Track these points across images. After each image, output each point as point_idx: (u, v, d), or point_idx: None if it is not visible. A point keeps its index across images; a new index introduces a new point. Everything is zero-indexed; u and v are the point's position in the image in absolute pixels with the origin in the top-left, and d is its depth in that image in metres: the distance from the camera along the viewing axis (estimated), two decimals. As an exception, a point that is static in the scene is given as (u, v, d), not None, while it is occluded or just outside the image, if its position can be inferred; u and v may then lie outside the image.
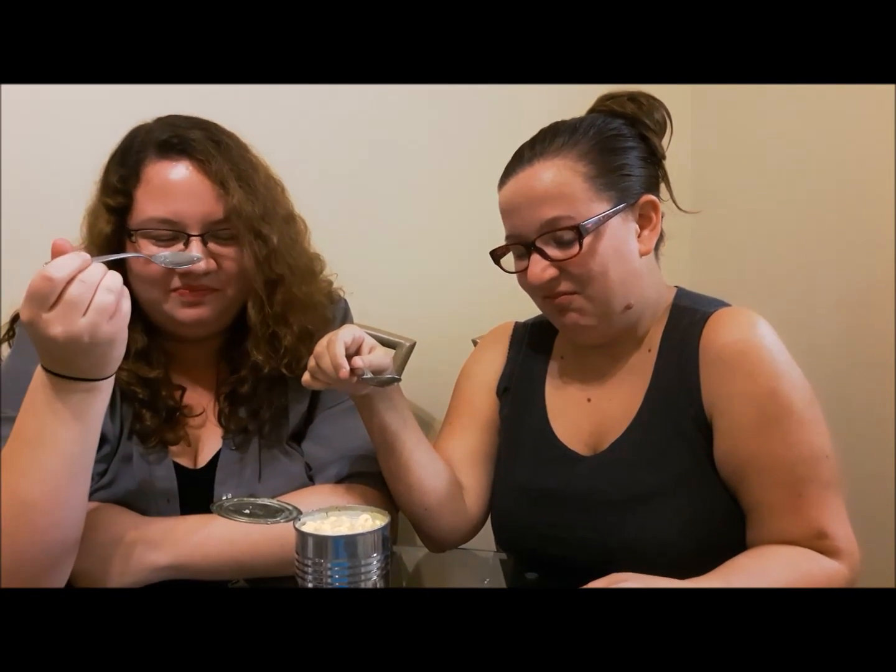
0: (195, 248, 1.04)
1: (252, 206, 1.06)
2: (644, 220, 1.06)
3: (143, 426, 1.09)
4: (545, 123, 1.10)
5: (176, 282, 1.05)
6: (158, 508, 1.06)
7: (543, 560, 1.09)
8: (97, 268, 0.82)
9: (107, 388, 0.88)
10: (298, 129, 1.65)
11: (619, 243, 1.03)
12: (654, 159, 1.09)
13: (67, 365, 0.84)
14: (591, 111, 1.12)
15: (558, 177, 1.02)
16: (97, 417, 0.89)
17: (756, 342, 0.99)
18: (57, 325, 0.80)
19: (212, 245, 1.06)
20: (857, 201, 1.35)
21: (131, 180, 1.06)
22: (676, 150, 1.14)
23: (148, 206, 1.04)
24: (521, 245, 1.06)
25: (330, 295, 1.21)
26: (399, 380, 1.05)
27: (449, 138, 1.73)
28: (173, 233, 1.04)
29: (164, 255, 1.00)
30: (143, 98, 1.42)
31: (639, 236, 1.06)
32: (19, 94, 1.52)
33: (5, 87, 1.50)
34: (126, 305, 0.85)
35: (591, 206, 1.02)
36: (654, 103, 1.09)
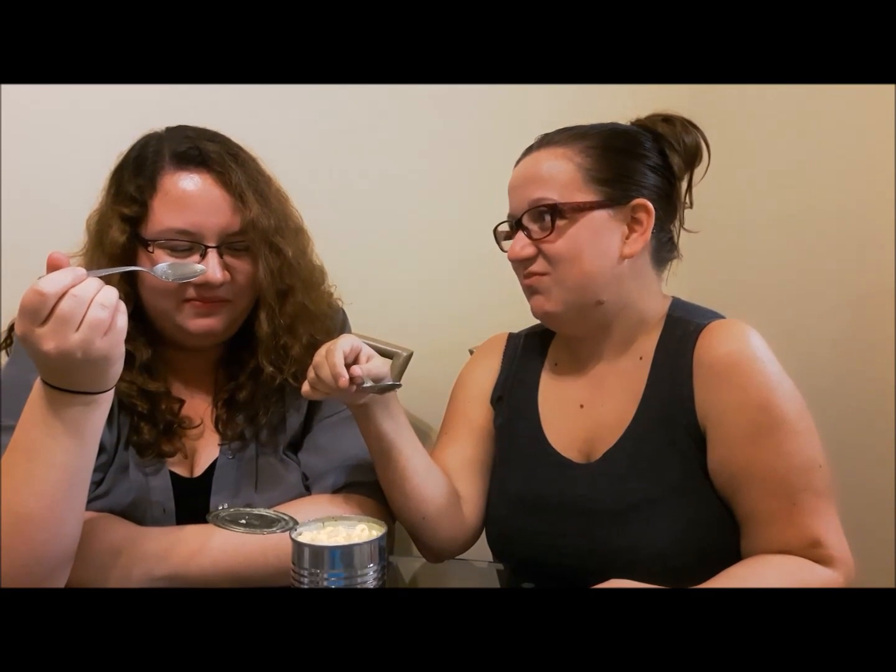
0: (212, 259, 1.04)
1: (268, 219, 1.07)
2: (635, 224, 1.07)
3: (140, 438, 1.08)
4: (545, 129, 1.11)
5: (190, 292, 1.05)
6: (155, 518, 1.06)
7: (537, 568, 1.09)
8: (91, 283, 0.81)
9: (106, 401, 0.87)
10: (294, 136, 1.64)
11: (598, 238, 1.05)
12: (667, 174, 1.10)
13: (64, 379, 0.83)
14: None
15: (554, 163, 1.06)
16: (96, 431, 0.88)
17: (748, 353, 1.00)
18: (49, 340, 0.79)
19: (227, 257, 1.07)
20: (857, 207, 1.35)
21: (147, 190, 1.05)
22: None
23: (165, 216, 1.04)
24: (511, 223, 1.10)
25: (330, 305, 1.22)
26: (399, 385, 1.05)
27: (446, 145, 1.73)
28: (191, 244, 1.04)
29: (163, 266, 0.98)
30: (143, 100, 1.43)
31: (626, 238, 1.06)
32: (19, 96, 1.51)
33: (5, 87, 1.49)
34: (121, 321, 0.83)
35: (576, 195, 1.05)
36: (689, 128, 1.11)
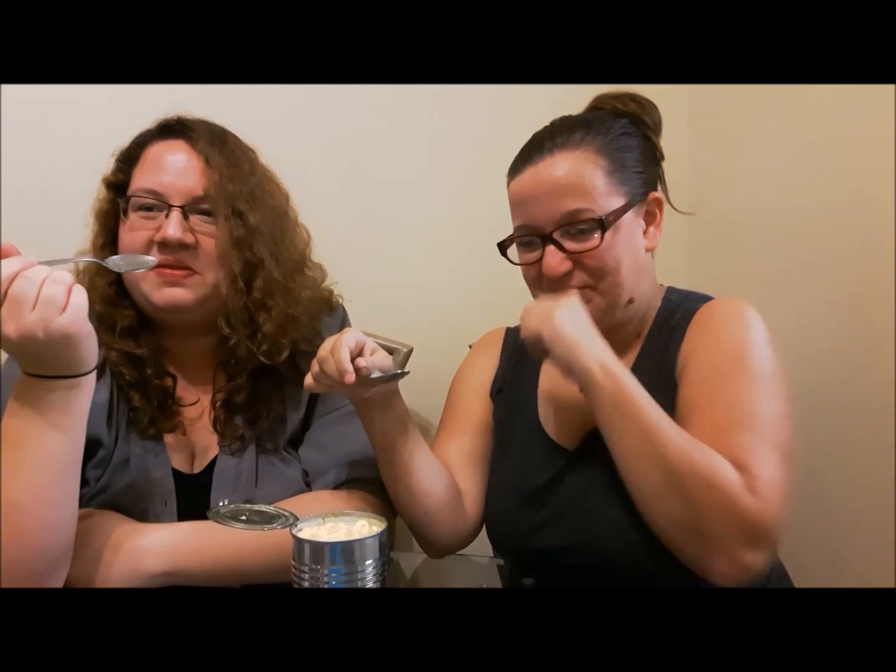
0: (173, 218, 1.06)
1: (234, 186, 1.09)
2: (649, 217, 1.09)
3: (135, 414, 1.09)
4: (542, 126, 1.10)
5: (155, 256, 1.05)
6: (156, 511, 1.06)
7: (533, 557, 1.09)
8: (42, 267, 0.83)
9: (88, 385, 0.88)
10: (294, 135, 1.64)
11: (630, 238, 1.05)
12: (656, 158, 1.11)
13: (39, 364, 0.84)
14: (593, 109, 1.13)
15: (581, 169, 1.03)
16: (81, 415, 0.89)
17: (739, 313, 1.02)
18: (8, 323, 0.80)
19: (193, 220, 1.08)
20: (856, 203, 1.35)
21: (132, 160, 1.11)
22: (674, 151, 1.15)
23: (140, 179, 1.09)
24: (535, 236, 1.06)
25: (330, 303, 1.21)
26: (408, 373, 1.05)
27: (446, 144, 1.73)
28: (157, 203, 1.07)
29: (115, 258, 1.00)
30: (143, 96, 1.43)
31: (645, 232, 1.08)
32: (19, 95, 1.52)
33: (5, 87, 1.50)
34: (77, 298, 0.84)
35: (610, 201, 1.03)
36: (651, 105, 1.12)
